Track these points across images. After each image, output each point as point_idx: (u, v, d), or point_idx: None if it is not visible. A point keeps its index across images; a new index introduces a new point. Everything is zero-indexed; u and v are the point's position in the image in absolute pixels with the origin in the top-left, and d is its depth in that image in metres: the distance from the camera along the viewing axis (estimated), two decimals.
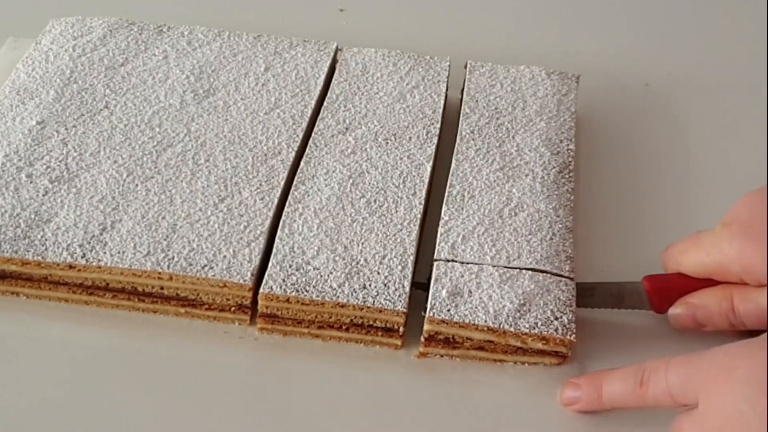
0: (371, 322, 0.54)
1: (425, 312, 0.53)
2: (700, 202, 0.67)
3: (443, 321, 0.52)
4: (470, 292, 0.53)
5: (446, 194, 0.60)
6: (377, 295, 0.53)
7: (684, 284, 0.55)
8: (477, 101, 0.67)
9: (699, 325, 0.55)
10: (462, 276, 0.54)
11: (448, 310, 0.52)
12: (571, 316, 0.53)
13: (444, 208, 0.59)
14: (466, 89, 0.69)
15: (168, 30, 0.73)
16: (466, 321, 0.52)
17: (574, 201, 0.65)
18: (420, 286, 0.55)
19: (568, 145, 0.65)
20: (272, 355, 0.54)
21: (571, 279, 0.55)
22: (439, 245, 0.56)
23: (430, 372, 0.54)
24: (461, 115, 0.66)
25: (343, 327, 0.54)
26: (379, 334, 0.54)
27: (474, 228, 0.57)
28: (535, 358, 0.54)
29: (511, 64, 0.72)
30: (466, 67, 0.72)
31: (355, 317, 0.54)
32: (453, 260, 0.55)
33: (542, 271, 0.55)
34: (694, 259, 0.54)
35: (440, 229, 0.57)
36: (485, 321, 0.52)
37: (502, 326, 0.52)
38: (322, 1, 0.86)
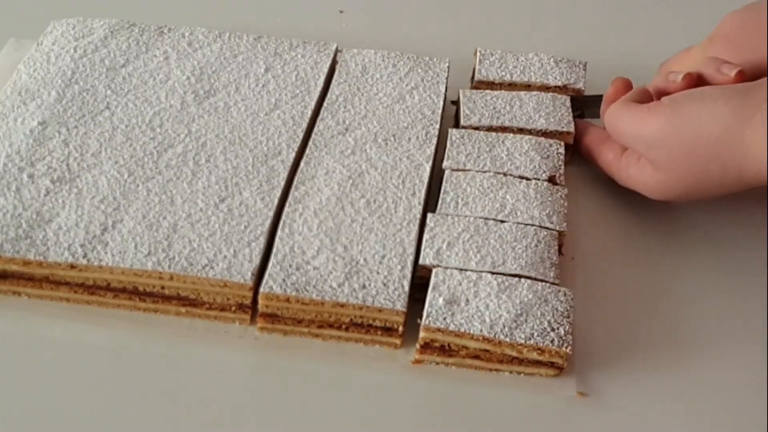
0: (371, 322, 0.54)
1: (421, 320, 0.53)
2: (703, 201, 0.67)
3: (439, 329, 0.52)
4: (467, 300, 0.53)
5: (440, 200, 0.60)
6: (377, 294, 0.53)
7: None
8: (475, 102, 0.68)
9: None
10: (460, 284, 0.54)
11: (444, 319, 0.52)
12: (568, 327, 0.53)
13: (429, 215, 0.59)
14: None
15: (169, 31, 0.74)
16: (462, 330, 0.52)
17: (575, 199, 0.65)
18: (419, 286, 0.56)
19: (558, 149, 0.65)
20: (272, 355, 0.54)
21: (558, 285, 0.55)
22: (424, 251, 0.56)
23: (430, 372, 0.54)
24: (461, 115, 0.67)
25: (343, 326, 0.55)
26: (379, 333, 0.55)
27: (459, 234, 0.57)
28: (531, 369, 0.53)
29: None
30: (475, 54, 0.72)
31: (355, 317, 0.54)
32: (438, 266, 0.55)
33: (527, 278, 0.55)
34: (684, 67, 0.64)
35: (425, 236, 0.57)
36: (481, 330, 0.52)
37: (497, 336, 0.52)
38: (322, 3, 0.86)
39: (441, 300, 0.53)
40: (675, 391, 0.54)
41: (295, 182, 0.61)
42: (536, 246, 0.57)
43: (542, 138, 0.65)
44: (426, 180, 0.61)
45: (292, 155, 0.63)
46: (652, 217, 0.66)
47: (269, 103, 0.67)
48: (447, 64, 0.72)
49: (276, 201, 0.59)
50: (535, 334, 0.52)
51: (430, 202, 0.62)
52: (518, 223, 0.58)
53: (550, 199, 0.60)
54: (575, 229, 0.63)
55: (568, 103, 0.68)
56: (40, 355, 0.53)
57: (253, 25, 0.79)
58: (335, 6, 0.86)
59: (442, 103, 0.68)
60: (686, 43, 0.68)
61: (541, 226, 0.58)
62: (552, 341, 0.52)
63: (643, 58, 0.75)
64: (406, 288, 0.54)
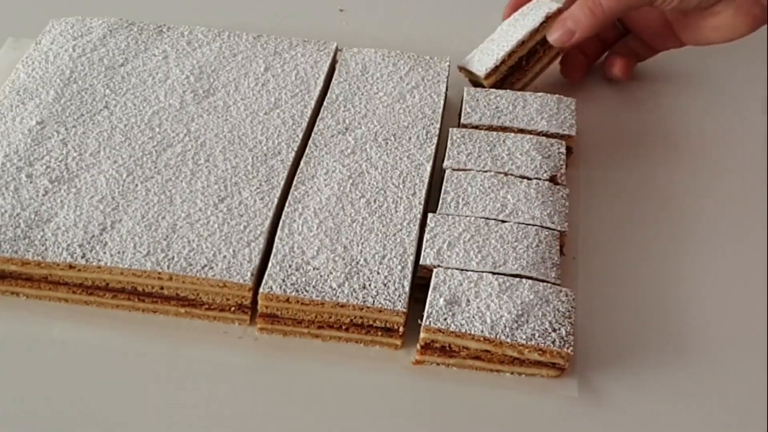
0: (371, 322, 0.54)
1: (422, 320, 0.52)
2: (704, 200, 0.67)
3: (439, 330, 0.52)
4: (468, 301, 0.53)
5: (441, 200, 0.60)
6: (377, 295, 0.53)
7: None
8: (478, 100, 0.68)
9: (572, 32, 0.68)
10: (461, 284, 0.54)
11: (445, 319, 0.52)
12: (569, 328, 0.52)
13: (429, 215, 0.58)
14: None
15: (168, 30, 0.73)
16: (463, 330, 0.52)
17: (576, 199, 0.65)
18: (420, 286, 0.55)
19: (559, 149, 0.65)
20: (272, 355, 0.54)
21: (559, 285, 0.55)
22: (424, 251, 0.56)
23: (431, 373, 0.54)
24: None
25: (343, 327, 0.54)
26: (379, 334, 0.54)
27: (460, 234, 0.57)
28: (532, 370, 0.53)
29: None
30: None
31: (355, 317, 0.54)
32: (438, 266, 0.55)
33: (529, 278, 0.55)
34: None
35: (426, 236, 0.57)
36: (482, 331, 0.52)
37: (498, 336, 0.51)
38: (322, 2, 0.86)
39: (442, 300, 0.53)
40: (676, 392, 0.54)
41: (294, 182, 0.60)
42: (537, 246, 0.57)
43: (543, 137, 0.65)
44: (426, 180, 0.61)
45: (292, 155, 0.62)
46: (653, 217, 0.65)
47: (269, 102, 0.67)
48: (447, 63, 0.72)
49: (275, 201, 0.59)
50: (537, 335, 0.52)
51: (431, 202, 0.61)
52: (519, 223, 0.58)
53: (551, 198, 0.60)
54: (577, 229, 0.63)
55: (573, 106, 0.68)
56: (38, 356, 0.53)
57: (252, 24, 0.79)
58: (335, 5, 0.86)
59: (442, 102, 0.68)
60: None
61: (542, 226, 0.58)
62: (553, 342, 0.52)
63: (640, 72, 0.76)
64: (407, 288, 0.54)
